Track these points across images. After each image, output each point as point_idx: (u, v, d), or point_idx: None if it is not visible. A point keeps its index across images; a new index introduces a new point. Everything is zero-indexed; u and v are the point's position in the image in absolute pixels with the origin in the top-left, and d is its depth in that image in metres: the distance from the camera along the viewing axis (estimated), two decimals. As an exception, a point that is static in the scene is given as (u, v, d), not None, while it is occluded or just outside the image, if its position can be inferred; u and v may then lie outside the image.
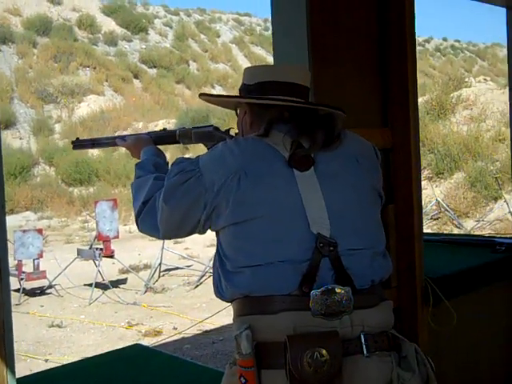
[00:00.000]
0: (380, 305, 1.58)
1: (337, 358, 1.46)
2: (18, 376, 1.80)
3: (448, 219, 10.82)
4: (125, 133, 19.17)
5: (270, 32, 31.29)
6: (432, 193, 11.28)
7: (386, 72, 2.73)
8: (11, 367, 1.70)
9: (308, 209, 1.56)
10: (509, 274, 3.13)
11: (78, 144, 2.25)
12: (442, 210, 10.71)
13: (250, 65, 28.33)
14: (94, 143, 2.27)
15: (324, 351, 1.45)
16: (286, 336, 1.47)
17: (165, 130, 2.13)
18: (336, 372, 1.46)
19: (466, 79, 16.22)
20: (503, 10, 3.77)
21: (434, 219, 10.73)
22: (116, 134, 18.94)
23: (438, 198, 10.94)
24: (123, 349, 3.19)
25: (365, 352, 1.51)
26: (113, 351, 3.22)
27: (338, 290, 1.51)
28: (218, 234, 1.64)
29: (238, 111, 1.78)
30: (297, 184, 1.57)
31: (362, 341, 1.52)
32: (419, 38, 31.23)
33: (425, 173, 12.31)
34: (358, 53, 2.64)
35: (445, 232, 10.07)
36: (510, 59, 3.85)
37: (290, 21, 2.46)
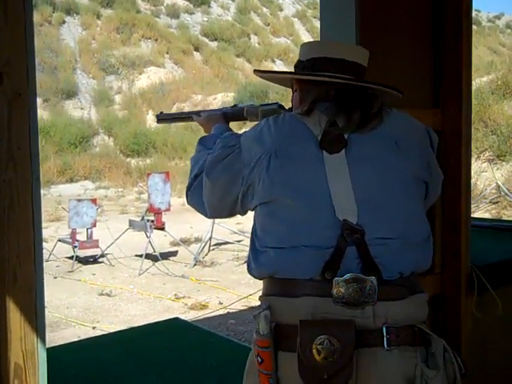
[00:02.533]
0: (409, 298, 1.49)
1: (348, 349, 1.41)
2: (65, 342, 1.78)
3: (508, 203, 10.46)
4: (183, 105, 19.26)
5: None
6: (492, 176, 10.92)
7: (439, 52, 2.60)
8: (42, 337, 1.68)
9: (334, 194, 1.50)
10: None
11: (162, 118, 2.34)
12: (502, 193, 10.35)
13: (311, 39, 28.07)
14: (175, 117, 2.36)
15: (335, 340, 1.41)
16: (301, 319, 1.44)
17: (235, 106, 2.16)
18: (346, 363, 1.42)
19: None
20: None
21: (493, 203, 10.39)
22: (175, 107, 19.07)
23: (498, 182, 10.59)
24: (162, 322, 3.19)
25: (385, 345, 1.44)
26: (151, 324, 3.22)
27: (362, 279, 1.45)
28: (254, 213, 1.61)
29: (293, 88, 1.74)
30: (324, 167, 1.52)
31: (384, 333, 1.45)
32: (489, 14, 30.19)
33: (486, 155, 11.93)
34: (410, 30, 2.51)
35: (504, 217, 9.76)
36: None
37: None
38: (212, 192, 1.65)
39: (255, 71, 1.79)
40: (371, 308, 1.45)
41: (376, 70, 2.32)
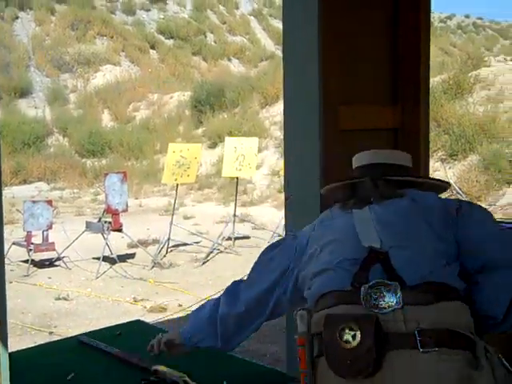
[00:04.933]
0: (437, 304, 1.63)
1: (368, 336, 1.57)
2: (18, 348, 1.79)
3: (460, 202, 10.68)
4: (139, 104, 19.11)
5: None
6: (445, 175, 11.14)
7: (398, 50, 2.66)
8: (4, 342, 1.69)
9: (359, 230, 1.80)
10: None
11: None
12: (454, 192, 10.57)
13: (267, 38, 28.14)
14: None
15: (356, 327, 1.59)
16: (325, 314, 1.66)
17: None
18: (366, 350, 1.56)
19: (486, 58, 15.91)
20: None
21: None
22: (131, 106, 18.90)
23: (451, 181, 10.82)
24: (124, 324, 3.18)
25: (419, 347, 1.56)
26: (112, 327, 3.21)
27: (386, 284, 1.65)
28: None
29: None
30: (353, 217, 1.85)
31: (417, 336, 1.57)
32: (441, 15, 30.69)
33: (438, 154, 12.16)
34: (371, 29, 2.57)
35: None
36: None
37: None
38: None
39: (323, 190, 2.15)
40: (400, 312, 1.61)
41: (337, 68, 2.39)
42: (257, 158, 10.18)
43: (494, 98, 13.49)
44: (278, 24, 26.94)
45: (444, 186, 2.07)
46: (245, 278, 2.07)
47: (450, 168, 11.85)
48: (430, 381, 1.56)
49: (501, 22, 29.00)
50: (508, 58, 16.36)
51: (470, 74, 14.33)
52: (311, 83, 2.33)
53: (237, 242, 9.29)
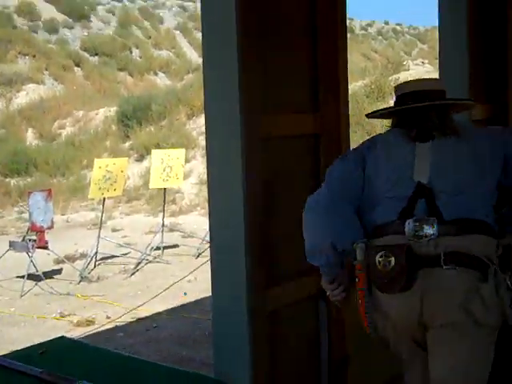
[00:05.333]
0: (464, 235, 2.06)
1: (400, 261, 2.02)
2: None
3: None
4: (64, 121, 18.75)
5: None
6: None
7: (317, 59, 2.68)
8: None
9: (416, 165, 2.16)
10: None
11: None
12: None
13: (193, 51, 28.08)
14: None
15: (390, 254, 2.03)
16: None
17: None
18: (399, 272, 2.02)
19: (404, 62, 16.37)
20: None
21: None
22: (56, 123, 18.51)
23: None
24: (47, 342, 3.07)
25: (442, 265, 2.02)
26: (35, 345, 3.09)
27: (426, 219, 2.06)
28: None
29: None
30: (415, 150, 2.19)
31: (441, 257, 2.02)
32: (362, 22, 31.37)
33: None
34: (289, 37, 2.59)
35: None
36: (440, 41, 3.78)
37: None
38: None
39: (367, 115, 2.50)
40: (434, 240, 2.05)
41: (257, 76, 2.40)
42: (184, 169, 10.16)
43: (415, 100, 13.86)
44: (204, 37, 26.95)
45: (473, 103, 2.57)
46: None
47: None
48: (448, 289, 2.03)
49: (419, 26, 29.90)
50: (425, 62, 16.88)
51: (390, 78, 14.72)
52: (232, 94, 2.34)
53: (166, 251, 9.21)
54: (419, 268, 2.03)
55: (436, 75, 13.38)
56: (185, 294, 7.09)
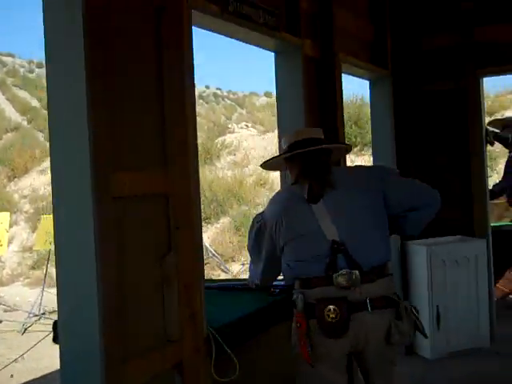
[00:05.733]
0: (378, 280, 2.60)
1: (344, 312, 2.51)
2: None
3: (216, 264, 10.94)
4: None
5: (35, 74, 29.52)
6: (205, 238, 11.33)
7: (165, 114, 2.59)
8: None
9: (322, 226, 2.61)
10: (286, 315, 3.14)
11: None
12: (210, 255, 10.81)
13: (12, 109, 26.51)
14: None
15: (336, 307, 2.51)
16: (312, 300, 2.55)
17: None
18: (343, 320, 2.51)
19: (230, 125, 16.83)
20: (266, 59, 3.95)
21: (205, 264, 10.74)
22: None
23: (206, 244, 11.06)
24: None
25: (369, 309, 2.55)
26: None
27: (350, 272, 2.54)
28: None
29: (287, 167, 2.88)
30: (313, 212, 2.63)
31: (367, 303, 2.55)
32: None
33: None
34: (139, 93, 2.47)
35: (213, 277, 10.16)
36: (278, 102, 4.00)
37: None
38: (267, 257, 2.83)
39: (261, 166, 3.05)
40: (358, 289, 2.55)
41: (107, 134, 2.24)
42: (8, 234, 9.41)
43: (240, 163, 14.23)
44: (24, 94, 25.80)
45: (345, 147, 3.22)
46: None
47: (204, 232, 12.10)
48: (373, 328, 2.58)
49: (237, 92, 31.07)
50: (249, 125, 17.47)
51: (216, 141, 15.01)
52: (81, 151, 2.16)
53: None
54: (352, 312, 2.53)
55: (260, 138, 13.74)
56: (11, 376, 6.31)
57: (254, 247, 2.86)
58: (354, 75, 5.10)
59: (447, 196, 5.22)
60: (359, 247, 2.59)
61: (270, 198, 2.91)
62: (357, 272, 2.54)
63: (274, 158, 2.99)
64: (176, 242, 2.60)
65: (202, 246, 2.75)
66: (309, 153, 2.72)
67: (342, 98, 4.30)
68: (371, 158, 5.83)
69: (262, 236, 2.78)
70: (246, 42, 3.54)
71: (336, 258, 2.56)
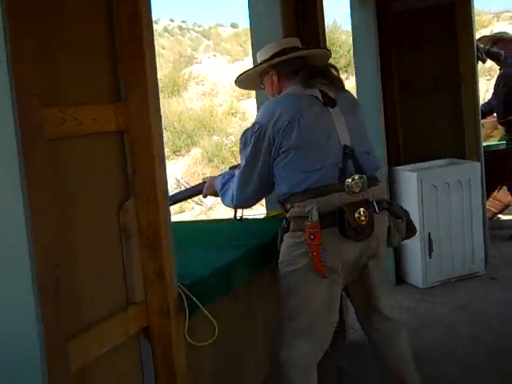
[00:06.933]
0: (379, 184, 2.66)
1: (371, 214, 2.49)
2: None
3: (188, 198, 10.55)
4: None
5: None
6: (170, 171, 10.94)
7: (116, 46, 2.13)
8: None
9: (338, 130, 2.54)
10: (267, 259, 2.78)
11: (174, 201, 3.00)
12: (182, 187, 10.41)
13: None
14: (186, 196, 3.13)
15: (364, 209, 2.47)
16: (341, 205, 2.45)
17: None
18: (372, 222, 2.50)
19: (197, 56, 16.19)
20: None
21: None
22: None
23: (177, 176, 10.65)
24: None
25: (377, 211, 2.55)
26: None
27: (360, 177, 2.51)
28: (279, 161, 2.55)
29: (264, 83, 2.78)
30: (331, 115, 2.55)
31: (375, 205, 2.55)
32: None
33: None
34: (83, 16, 2.01)
35: (186, 211, 9.82)
36: (252, 36, 3.58)
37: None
38: (255, 169, 2.58)
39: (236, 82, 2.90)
40: (366, 192, 2.52)
41: (47, 64, 1.82)
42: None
43: (209, 93, 13.73)
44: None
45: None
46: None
47: (174, 164, 11.70)
48: (383, 229, 2.61)
49: (202, 24, 30.07)
50: (217, 55, 16.82)
51: (183, 72, 14.42)
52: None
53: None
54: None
55: (229, 68, 13.33)
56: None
57: (250, 164, 2.58)
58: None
59: (437, 118, 5.16)
60: (363, 153, 2.59)
61: (266, 103, 2.64)
62: (365, 176, 2.52)
63: (264, 62, 2.73)
64: (135, 188, 2.20)
65: (167, 190, 2.31)
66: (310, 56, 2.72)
67: (323, 14, 3.82)
68: (347, 83, 5.40)
69: (259, 149, 2.55)
70: None
71: (346, 164, 2.51)
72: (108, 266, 2.08)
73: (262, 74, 2.75)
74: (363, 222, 2.46)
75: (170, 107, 12.97)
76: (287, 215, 2.56)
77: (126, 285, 2.14)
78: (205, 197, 3.03)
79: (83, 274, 1.94)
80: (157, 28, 32.68)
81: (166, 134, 12.42)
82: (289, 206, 2.54)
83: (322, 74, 2.64)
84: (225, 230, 3.03)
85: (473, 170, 4.81)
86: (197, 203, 10.23)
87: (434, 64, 5.08)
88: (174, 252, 2.22)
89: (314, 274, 2.46)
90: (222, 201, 2.80)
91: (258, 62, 2.77)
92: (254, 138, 2.54)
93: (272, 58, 2.68)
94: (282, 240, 2.58)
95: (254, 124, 2.57)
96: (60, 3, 1.91)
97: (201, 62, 15.42)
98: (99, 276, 2.02)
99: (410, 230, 2.72)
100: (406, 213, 2.71)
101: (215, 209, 9.74)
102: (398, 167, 4.86)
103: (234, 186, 2.67)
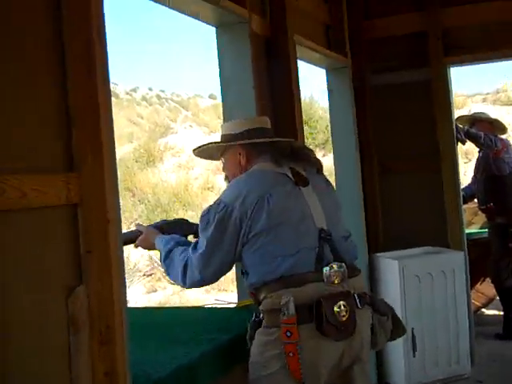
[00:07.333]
0: (359, 274, 2.36)
1: (352, 308, 2.21)
2: None
3: (161, 274, 10.20)
4: None
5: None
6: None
7: (68, 101, 1.88)
8: None
9: (312, 211, 2.30)
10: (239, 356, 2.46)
11: None
12: (156, 265, 10.06)
13: None
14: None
15: (346, 303, 2.19)
16: (319, 297, 2.16)
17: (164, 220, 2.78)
18: (353, 317, 2.21)
19: (173, 126, 16.11)
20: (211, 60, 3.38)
21: (148, 275, 10.02)
22: None
23: (151, 253, 10.31)
24: None
25: (359, 306, 2.26)
26: None
27: (340, 265, 2.24)
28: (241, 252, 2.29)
29: (225, 157, 2.51)
30: (304, 196, 2.32)
31: (356, 299, 2.26)
32: (126, 87, 31.04)
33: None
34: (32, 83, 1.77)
35: (159, 290, 9.44)
36: (224, 86, 3.35)
37: None
38: (218, 252, 2.27)
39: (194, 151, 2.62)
40: (346, 283, 2.25)
41: None
42: None
43: (185, 165, 13.57)
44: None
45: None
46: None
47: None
48: (365, 327, 2.30)
49: (181, 94, 30.34)
50: (193, 126, 16.78)
51: (159, 142, 14.30)
52: None
53: None
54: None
55: (205, 140, 13.27)
56: None
57: (210, 246, 2.26)
58: (309, 62, 4.47)
59: (417, 200, 4.93)
60: (340, 239, 2.35)
61: (232, 182, 2.39)
62: (344, 265, 2.25)
63: (236, 137, 2.47)
64: (88, 271, 1.90)
65: (123, 273, 2.01)
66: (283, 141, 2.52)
67: (298, 86, 3.66)
68: (324, 160, 5.22)
69: (223, 231, 2.25)
70: (182, 12, 2.85)
71: (323, 249, 2.24)
72: (50, 367, 1.77)
73: (222, 151, 2.52)
74: (344, 318, 2.16)
75: (146, 179, 12.75)
76: (260, 308, 2.25)
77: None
78: (136, 247, 2.66)
79: (18, 377, 1.63)
80: (135, 96, 32.94)
81: (140, 207, 12.14)
82: (261, 296, 2.24)
83: (294, 153, 2.44)
84: (191, 320, 2.71)
85: (457, 260, 4.51)
86: (169, 281, 9.85)
87: (413, 142, 4.87)
88: (128, 347, 1.91)
89: (289, 380, 2.14)
90: (167, 274, 2.45)
91: (224, 134, 2.52)
92: (217, 218, 2.24)
93: (248, 134, 2.44)
94: (252, 337, 2.27)
95: (217, 202, 2.29)
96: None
97: (177, 132, 15.33)
98: (38, 380, 1.70)
99: (398, 330, 2.43)
100: (392, 309, 2.43)
101: (188, 290, 9.37)
102: (378, 254, 4.57)
103: (187, 265, 2.31)
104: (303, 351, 2.11)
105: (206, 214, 2.29)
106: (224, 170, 2.55)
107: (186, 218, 2.92)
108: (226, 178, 2.52)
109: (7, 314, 1.62)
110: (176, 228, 2.64)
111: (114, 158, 1.98)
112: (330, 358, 2.21)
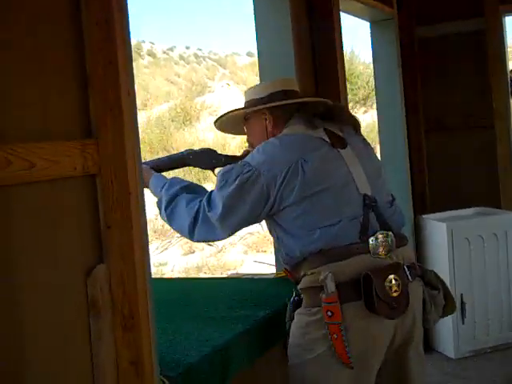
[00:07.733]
0: (408, 243, 2.17)
1: (404, 282, 2.00)
2: None
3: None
4: None
5: None
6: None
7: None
8: None
9: (355, 176, 2.09)
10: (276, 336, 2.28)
11: None
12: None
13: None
14: None
15: (397, 277, 1.98)
16: (366, 271, 1.94)
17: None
18: (406, 292, 2.00)
19: (210, 85, 15.91)
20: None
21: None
22: None
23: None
24: None
25: (410, 278, 2.05)
26: None
27: (386, 234, 2.04)
28: (274, 220, 2.10)
29: (250, 125, 2.31)
30: (343, 159, 2.11)
31: (406, 270, 2.05)
32: (164, 47, 30.88)
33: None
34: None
35: (196, 250, 9.36)
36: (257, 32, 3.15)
37: None
38: (237, 217, 2.07)
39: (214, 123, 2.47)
40: (394, 254, 2.06)
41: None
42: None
43: (222, 124, 13.38)
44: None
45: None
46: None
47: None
48: (418, 302, 2.11)
49: (218, 52, 30.10)
50: (230, 84, 16.57)
51: (195, 101, 14.12)
52: None
53: None
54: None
55: (240, 97, 13.01)
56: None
57: (227, 208, 2.05)
58: (351, 13, 4.17)
59: (467, 159, 4.71)
60: (385, 204, 2.13)
61: (259, 146, 2.14)
62: (391, 234, 2.05)
63: (263, 105, 2.24)
64: (108, 249, 1.72)
65: (147, 251, 1.83)
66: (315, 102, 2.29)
67: (341, 41, 3.41)
68: (366, 117, 4.96)
69: (246, 193, 2.04)
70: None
71: (368, 218, 2.04)
72: (68, 353, 1.60)
73: (246, 117, 2.31)
74: (396, 293, 1.96)
75: (182, 138, 12.61)
76: (298, 287, 2.08)
77: (94, 376, 1.66)
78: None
79: (34, 368, 1.48)
80: (172, 55, 32.90)
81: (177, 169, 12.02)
82: (300, 274, 2.06)
83: (329, 112, 2.23)
84: (224, 294, 2.52)
85: (509, 222, 4.28)
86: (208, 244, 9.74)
87: (464, 97, 4.65)
88: (155, 332, 1.73)
89: (338, 363, 1.96)
90: (170, 224, 2.24)
91: (247, 100, 2.33)
92: (240, 179, 2.04)
93: (274, 97, 2.23)
94: (291, 318, 2.09)
95: (242, 164, 2.08)
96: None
97: (214, 91, 15.11)
98: (57, 371, 1.55)
99: (449, 306, 2.22)
100: (443, 282, 2.22)
101: (227, 251, 9.26)
102: (424, 216, 4.36)
103: (197, 219, 2.10)
104: (349, 333, 1.93)
105: (227, 173, 2.08)
106: (248, 139, 2.34)
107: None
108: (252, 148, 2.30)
109: (19, 296, 1.46)
110: (203, 158, 2.44)
111: (136, 124, 1.78)
112: (382, 340, 2.03)
